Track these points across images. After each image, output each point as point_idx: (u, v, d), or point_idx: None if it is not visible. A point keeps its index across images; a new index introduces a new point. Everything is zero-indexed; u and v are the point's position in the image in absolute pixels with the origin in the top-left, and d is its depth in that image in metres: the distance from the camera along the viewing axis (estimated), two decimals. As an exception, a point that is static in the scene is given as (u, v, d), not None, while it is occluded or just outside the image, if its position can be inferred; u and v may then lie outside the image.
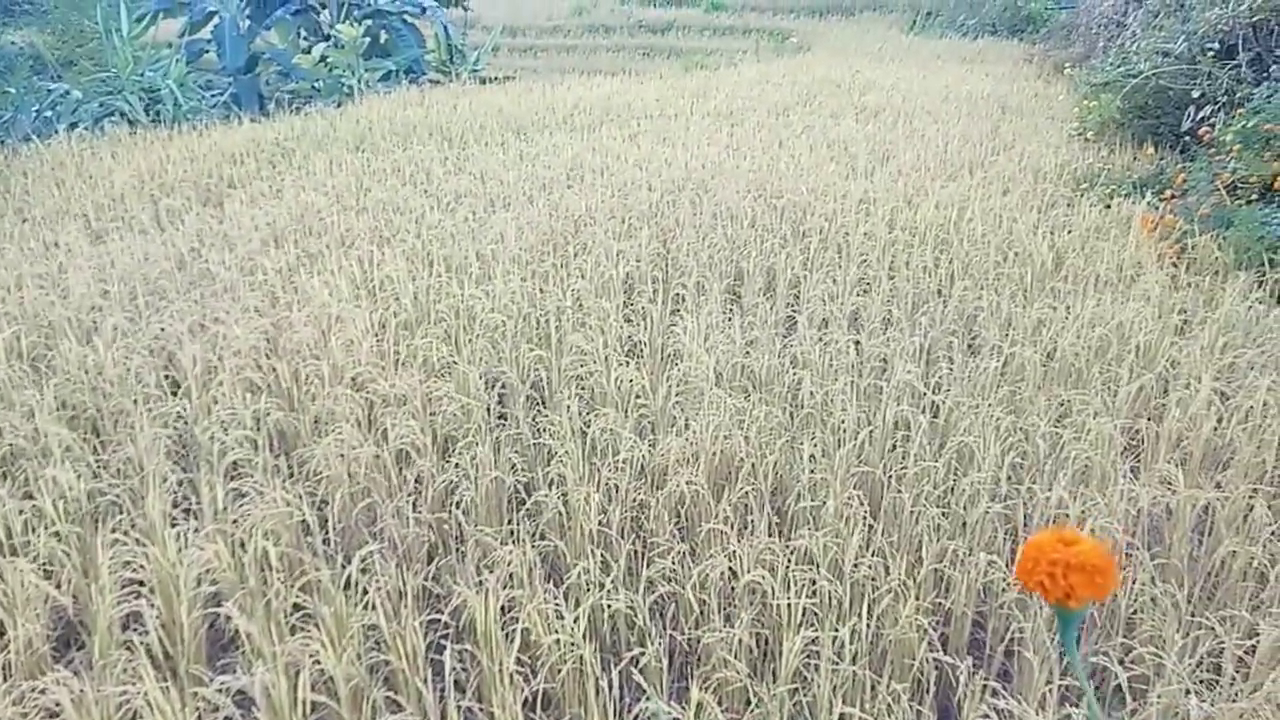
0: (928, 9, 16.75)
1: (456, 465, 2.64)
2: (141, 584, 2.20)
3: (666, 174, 5.32)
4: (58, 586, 2.21)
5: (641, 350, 3.39)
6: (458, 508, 2.54)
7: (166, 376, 3.25)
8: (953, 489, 2.52)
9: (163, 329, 3.47)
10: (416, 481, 2.65)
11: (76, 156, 6.44)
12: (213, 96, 9.64)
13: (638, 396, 2.95)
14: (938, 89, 8.63)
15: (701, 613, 2.18)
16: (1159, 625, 2.09)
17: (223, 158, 6.27)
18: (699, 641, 2.16)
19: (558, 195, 4.99)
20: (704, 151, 5.92)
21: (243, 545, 2.30)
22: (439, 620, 2.23)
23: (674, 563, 2.28)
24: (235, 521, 2.40)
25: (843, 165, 5.62)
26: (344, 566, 2.23)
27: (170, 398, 3.07)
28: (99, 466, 2.72)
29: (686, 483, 2.47)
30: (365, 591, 2.13)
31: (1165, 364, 3.20)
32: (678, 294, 3.81)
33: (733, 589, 2.23)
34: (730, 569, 2.24)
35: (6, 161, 6.67)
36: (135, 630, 2.05)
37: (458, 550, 2.48)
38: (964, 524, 2.42)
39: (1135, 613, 2.19)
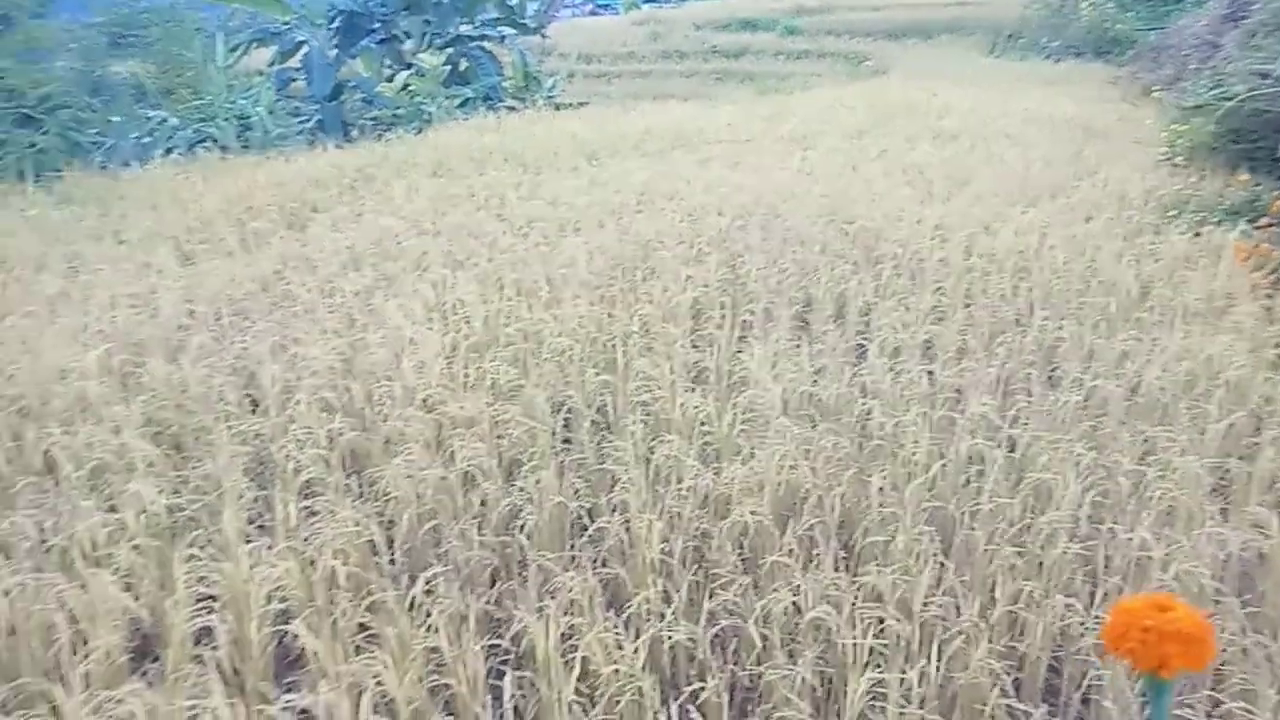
0: (1009, 31, 16.44)
1: (521, 489, 2.66)
2: (214, 599, 2.26)
3: (737, 199, 5.31)
4: (136, 599, 2.28)
5: (707, 377, 3.37)
6: (521, 531, 2.55)
7: (247, 395, 3.35)
8: (1029, 527, 2.43)
9: (245, 348, 3.59)
10: (481, 504, 2.67)
11: (171, 181, 6.73)
12: (299, 123, 9.99)
13: (702, 423, 2.92)
14: (1018, 112, 8.43)
15: (764, 648, 2.14)
16: (1251, 679, 1.98)
17: (307, 183, 6.48)
18: (760, 678, 2.12)
19: (628, 220, 5.02)
20: (775, 176, 5.89)
21: (312, 563, 2.34)
22: (499, 645, 2.23)
23: (736, 595, 2.25)
24: (306, 539, 2.45)
25: (918, 190, 5.53)
26: (409, 587, 2.26)
27: (250, 416, 3.16)
28: (179, 482, 2.82)
29: (750, 513, 2.44)
30: (428, 614, 2.15)
31: (1259, 400, 3.05)
32: (745, 320, 3.78)
33: (796, 624, 2.19)
34: (794, 603, 2.19)
35: (107, 187, 7.01)
36: (206, 645, 2.11)
37: (520, 575, 2.49)
38: (1040, 564, 2.33)
39: (1224, 664, 2.08)
